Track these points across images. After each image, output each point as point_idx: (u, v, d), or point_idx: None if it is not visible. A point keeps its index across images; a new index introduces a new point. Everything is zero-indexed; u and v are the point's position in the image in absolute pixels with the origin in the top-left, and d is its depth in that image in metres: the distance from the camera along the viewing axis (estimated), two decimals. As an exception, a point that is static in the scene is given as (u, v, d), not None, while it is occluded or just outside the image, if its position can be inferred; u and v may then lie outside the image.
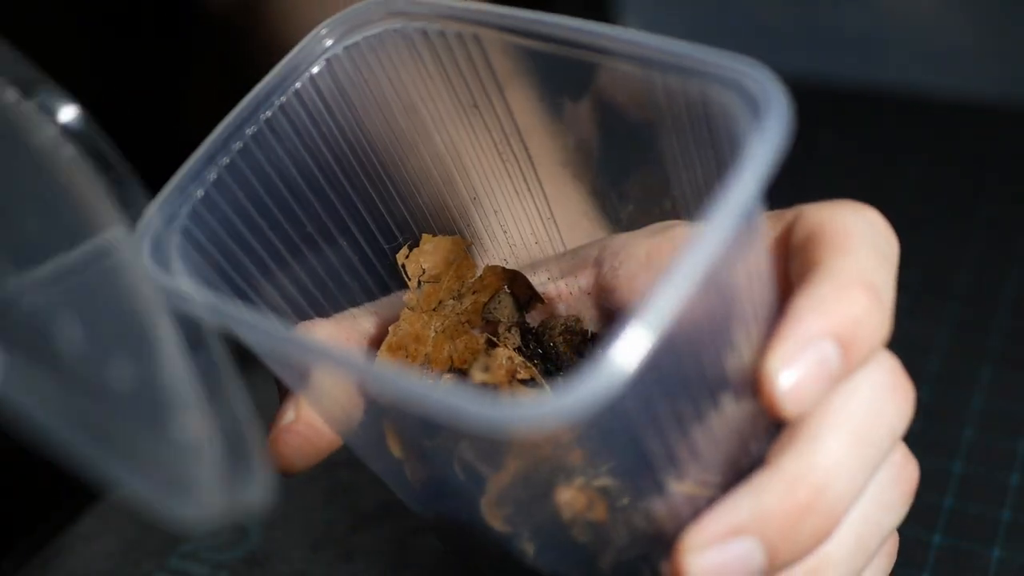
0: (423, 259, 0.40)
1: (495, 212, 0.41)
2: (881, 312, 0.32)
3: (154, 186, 0.79)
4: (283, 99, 0.37)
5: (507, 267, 0.41)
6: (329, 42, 0.38)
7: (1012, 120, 0.69)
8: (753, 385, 0.31)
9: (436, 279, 0.40)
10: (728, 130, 0.32)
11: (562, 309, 0.41)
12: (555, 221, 0.41)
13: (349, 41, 0.38)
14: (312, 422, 0.38)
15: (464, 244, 0.41)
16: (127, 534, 0.49)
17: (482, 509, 0.34)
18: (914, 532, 0.45)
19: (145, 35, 0.76)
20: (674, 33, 0.37)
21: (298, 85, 0.38)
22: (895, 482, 0.34)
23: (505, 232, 0.42)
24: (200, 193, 0.35)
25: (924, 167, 0.66)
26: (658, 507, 0.32)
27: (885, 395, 0.33)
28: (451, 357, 0.40)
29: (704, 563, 0.31)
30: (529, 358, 0.40)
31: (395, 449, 0.37)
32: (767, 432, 0.33)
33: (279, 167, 0.38)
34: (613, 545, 0.34)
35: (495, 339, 0.40)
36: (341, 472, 0.50)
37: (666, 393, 0.31)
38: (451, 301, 0.40)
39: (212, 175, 0.36)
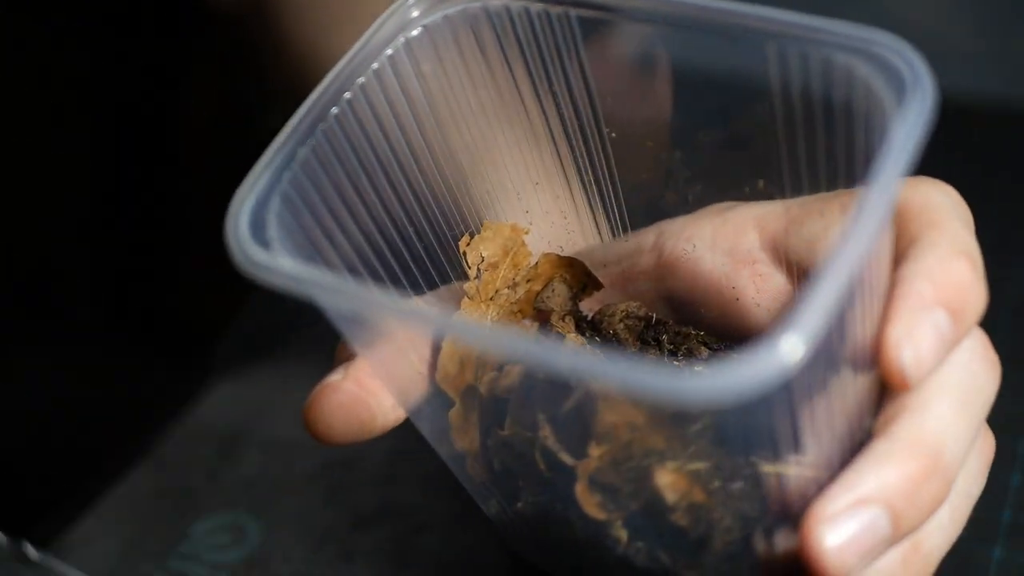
0: (483, 246, 0.40)
1: (556, 197, 0.41)
2: (981, 281, 0.34)
3: (153, 185, 0.78)
4: (362, 80, 0.37)
5: (563, 255, 0.41)
6: (415, 12, 0.38)
7: (1012, 120, 0.69)
8: (874, 356, 0.32)
9: (495, 267, 0.40)
10: (855, 102, 0.32)
11: (619, 296, 0.40)
12: (618, 204, 0.41)
13: (428, 20, 0.38)
14: (362, 391, 0.37)
15: (522, 231, 0.40)
16: (127, 535, 0.48)
17: (576, 496, 0.34)
18: (914, 532, 0.45)
19: (146, 35, 0.76)
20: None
21: (376, 66, 0.37)
22: (979, 453, 0.36)
23: (565, 218, 0.41)
24: (289, 175, 0.35)
25: (924, 167, 0.66)
26: (773, 486, 0.33)
27: (980, 364, 0.35)
28: None
29: (838, 535, 0.31)
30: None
31: (460, 442, 0.36)
32: (875, 406, 0.34)
33: (359, 150, 0.37)
34: (718, 527, 0.34)
35: (551, 328, 0.39)
36: (341, 472, 0.50)
37: (820, 370, 0.31)
38: (506, 290, 0.40)
39: (302, 154, 0.35)
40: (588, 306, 0.41)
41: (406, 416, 0.38)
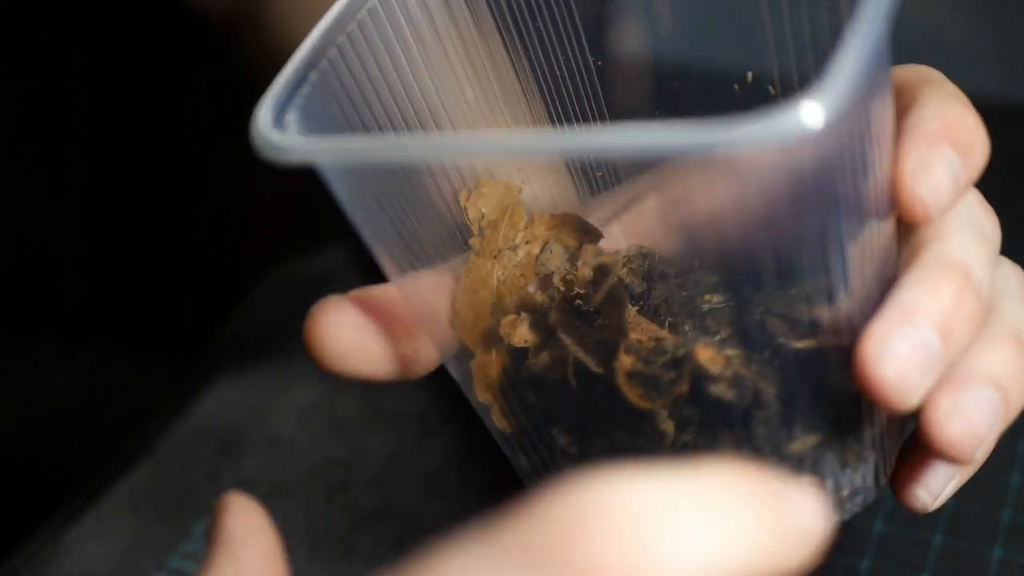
0: (481, 203, 0.40)
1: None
2: (982, 128, 0.35)
3: (154, 186, 0.78)
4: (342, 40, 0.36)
5: (556, 212, 0.41)
6: None
7: (1012, 120, 0.69)
8: (891, 198, 0.33)
9: (495, 225, 0.40)
10: None
11: (624, 244, 0.40)
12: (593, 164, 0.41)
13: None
14: (366, 305, 0.35)
15: (515, 189, 0.40)
16: (127, 534, 0.48)
17: (618, 388, 0.34)
18: (914, 532, 0.45)
19: (147, 36, 0.76)
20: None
21: (351, 29, 0.36)
22: (1017, 275, 0.37)
23: (559, 173, 0.41)
24: (307, 85, 0.34)
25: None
26: (813, 357, 0.34)
27: (984, 211, 0.36)
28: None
29: (894, 353, 0.32)
30: None
31: (483, 394, 0.36)
32: (894, 256, 0.35)
33: (347, 110, 0.36)
34: (765, 395, 0.34)
35: (555, 290, 0.39)
36: (341, 472, 0.50)
37: (847, 169, 0.31)
38: (508, 251, 0.40)
39: (313, 77, 0.35)
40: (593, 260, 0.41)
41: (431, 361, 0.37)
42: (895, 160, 0.33)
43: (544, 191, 0.41)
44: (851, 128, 0.31)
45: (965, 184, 0.34)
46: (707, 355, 0.34)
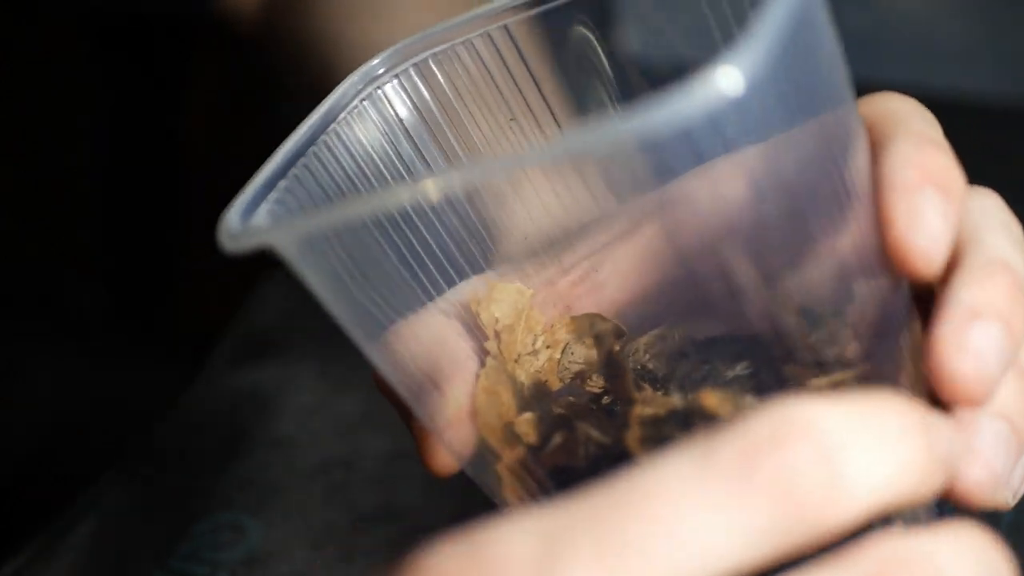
0: (494, 308, 0.39)
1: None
2: (957, 165, 0.34)
3: (155, 186, 0.78)
4: (326, 137, 0.37)
5: (576, 316, 0.40)
6: (381, 70, 0.38)
7: (1012, 120, 0.69)
8: (882, 257, 0.33)
9: (511, 329, 0.39)
10: None
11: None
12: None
13: (400, 68, 0.38)
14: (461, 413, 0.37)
15: (527, 293, 0.40)
16: (127, 534, 0.49)
17: (632, 456, 0.34)
18: (914, 532, 0.45)
19: (150, 38, 0.76)
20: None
21: (345, 116, 0.37)
22: None
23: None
24: (278, 191, 0.34)
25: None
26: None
27: (1007, 213, 0.36)
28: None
29: (970, 348, 0.32)
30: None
31: (511, 494, 0.37)
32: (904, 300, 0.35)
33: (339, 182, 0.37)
34: None
35: (583, 390, 0.39)
36: (341, 472, 0.50)
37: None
38: (528, 356, 0.40)
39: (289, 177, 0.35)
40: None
41: None
42: (882, 216, 0.33)
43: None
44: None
45: (953, 222, 0.34)
46: (714, 400, 0.34)
